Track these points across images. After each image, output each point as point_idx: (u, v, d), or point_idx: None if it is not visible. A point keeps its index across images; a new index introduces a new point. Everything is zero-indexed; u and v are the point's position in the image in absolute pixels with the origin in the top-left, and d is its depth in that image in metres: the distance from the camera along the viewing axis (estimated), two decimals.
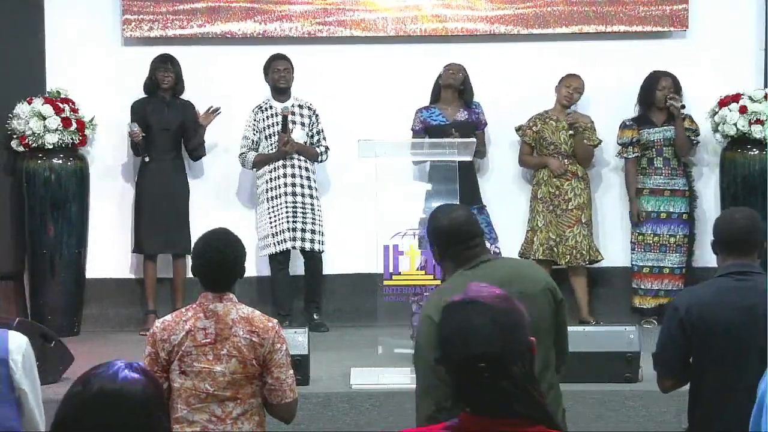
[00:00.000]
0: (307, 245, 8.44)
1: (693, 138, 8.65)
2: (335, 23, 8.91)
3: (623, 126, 8.68)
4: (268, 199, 8.47)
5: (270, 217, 8.43)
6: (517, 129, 8.74)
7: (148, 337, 4.34)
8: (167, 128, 8.53)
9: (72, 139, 8.46)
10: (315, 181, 8.58)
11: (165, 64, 8.54)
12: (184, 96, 8.68)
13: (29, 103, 8.42)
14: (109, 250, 8.82)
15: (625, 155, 8.69)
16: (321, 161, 8.64)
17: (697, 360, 4.29)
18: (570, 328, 6.91)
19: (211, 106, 8.51)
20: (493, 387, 2.43)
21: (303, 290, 8.67)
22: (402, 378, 6.58)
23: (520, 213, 8.71)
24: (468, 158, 7.13)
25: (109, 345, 8.00)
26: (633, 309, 8.72)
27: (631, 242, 8.73)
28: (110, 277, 8.85)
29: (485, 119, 8.66)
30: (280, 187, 8.44)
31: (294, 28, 8.91)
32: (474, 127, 8.57)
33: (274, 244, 8.41)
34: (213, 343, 4.23)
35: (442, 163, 7.00)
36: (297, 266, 8.68)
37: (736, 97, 8.58)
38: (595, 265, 8.75)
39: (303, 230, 8.42)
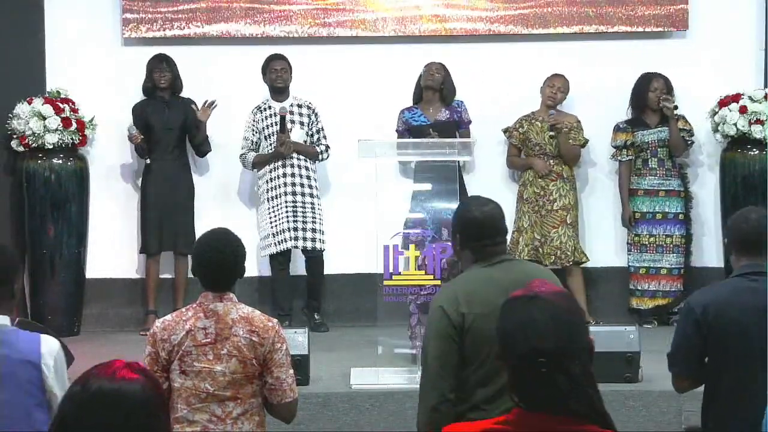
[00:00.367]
0: (309, 244, 8.44)
1: (687, 138, 8.65)
2: (335, 23, 8.91)
3: (617, 129, 8.68)
4: (268, 199, 8.47)
5: (270, 217, 8.43)
6: (504, 130, 8.76)
7: (148, 337, 4.34)
8: (169, 128, 8.54)
9: (72, 139, 8.46)
10: (316, 180, 8.58)
11: (161, 64, 8.55)
12: (185, 95, 8.67)
13: (29, 103, 8.42)
14: (109, 250, 8.83)
15: (619, 158, 8.69)
16: (321, 160, 8.63)
17: (713, 360, 4.28)
18: None
19: (207, 100, 8.50)
20: (550, 383, 2.45)
21: (303, 290, 8.68)
22: (402, 378, 6.58)
23: (507, 213, 8.64)
24: (468, 158, 7.13)
25: (109, 345, 8.00)
26: (630, 310, 8.71)
27: (627, 243, 8.73)
28: (110, 277, 8.85)
29: (469, 117, 8.64)
30: (280, 187, 8.44)
31: (294, 28, 8.91)
32: (456, 126, 8.57)
33: (274, 243, 8.41)
34: (213, 342, 4.23)
35: (442, 162, 6.99)
36: (298, 266, 8.68)
37: (736, 97, 8.58)
38: (590, 266, 8.75)
39: (304, 229, 8.42)
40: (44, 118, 8.36)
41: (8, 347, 3.90)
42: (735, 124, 8.50)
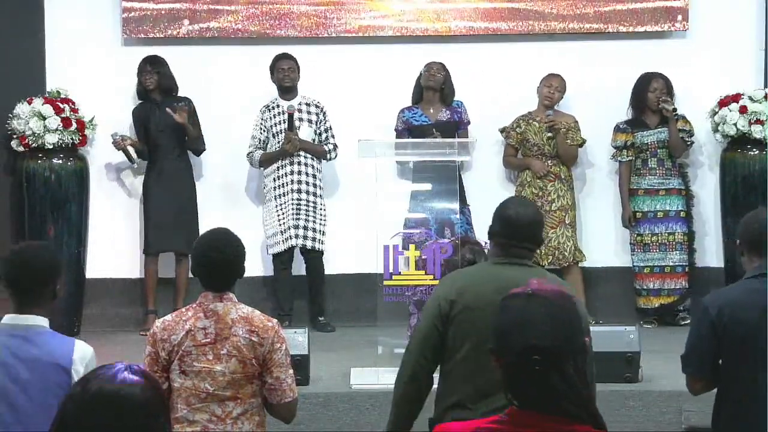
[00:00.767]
0: (309, 243, 8.44)
1: (687, 139, 8.65)
2: (335, 23, 8.91)
3: (617, 129, 8.68)
4: (275, 197, 8.48)
5: (278, 215, 8.45)
6: (501, 130, 8.75)
7: (148, 337, 4.35)
8: (161, 130, 8.52)
9: (72, 139, 8.46)
10: (321, 180, 8.59)
11: (146, 66, 8.55)
12: (185, 95, 8.66)
13: (29, 103, 8.42)
14: (109, 250, 8.82)
15: (619, 158, 8.69)
16: (329, 159, 8.64)
17: (727, 362, 4.26)
18: None
19: (176, 104, 8.46)
20: (545, 381, 2.44)
21: (305, 290, 8.67)
22: None
23: None
24: (467, 158, 7.13)
25: (109, 345, 7.98)
26: (638, 310, 8.69)
27: (630, 244, 8.73)
28: (110, 277, 8.85)
29: (468, 118, 8.65)
30: (286, 185, 8.45)
31: (294, 29, 8.91)
32: (456, 126, 8.57)
33: (281, 241, 8.43)
34: (213, 342, 4.24)
35: (437, 163, 7.00)
36: (299, 266, 8.69)
37: (736, 97, 8.58)
38: (590, 266, 8.75)
39: (305, 228, 8.43)
40: (44, 118, 8.36)
41: (40, 349, 3.92)
42: (735, 124, 8.50)
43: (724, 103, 8.60)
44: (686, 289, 8.59)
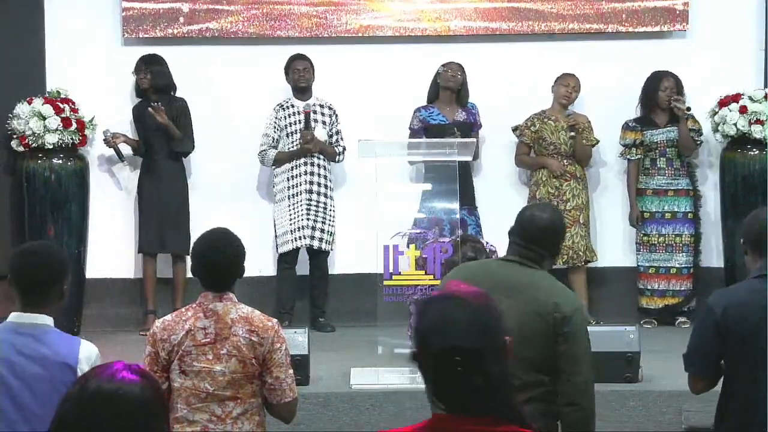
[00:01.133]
0: (316, 244, 8.46)
1: (696, 138, 8.64)
2: (336, 24, 8.91)
3: (626, 127, 8.66)
4: (288, 196, 8.49)
5: (290, 214, 8.45)
6: (514, 129, 8.71)
7: (148, 337, 4.35)
8: (155, 128, 8.51)
9: (72, 139, 8.46)
10: (331, 181, 8.61)
11: (141, 66, 8.54)
12: (185, 96, 8.65)
13: (29, 103, 8.42)
14: (109, 250, 8.82)
15: (627, 156, 8.68)
16: (338, 161, 8.67)
17: (730, 361, 4.25)
18: None
19: (153, 103, 8.43)
20: (468, 383, 2.42)
21: (306, 290, 8.67)
22: (402, 378, 6.58)
23: (514, 214, 8.60)
24: (468, 158, 7.13)
25: (109, 345, 7.96)
26: (640, 310, 8.69)
27: (636, 243, 8.72)
28: (110, 277, 8.85)
29: (480, 121, 8.66)
30: (300, 185, 8.47)
31: (294, 29, 8.90)
32: (470, 127, 8.57)
33: (292, 240, 8.44)
34: (213, 342, 4.24)
35: (442, 163, 7.00)
36: (301, 266, 8.68)
37: (736, 97, 8.58)
38: (597, 266, 8.75)
39: (313, 228, 8.44)
40: (44, 118, 8.36)
41: (49, 348, 3.93)
42: (735, 124, 8.50)
43: (724, 103, 8.60)
44: (690, 290, 8.58)
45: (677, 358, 4.49)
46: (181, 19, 8.85)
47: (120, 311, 8.82)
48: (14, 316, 4.00)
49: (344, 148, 8.58)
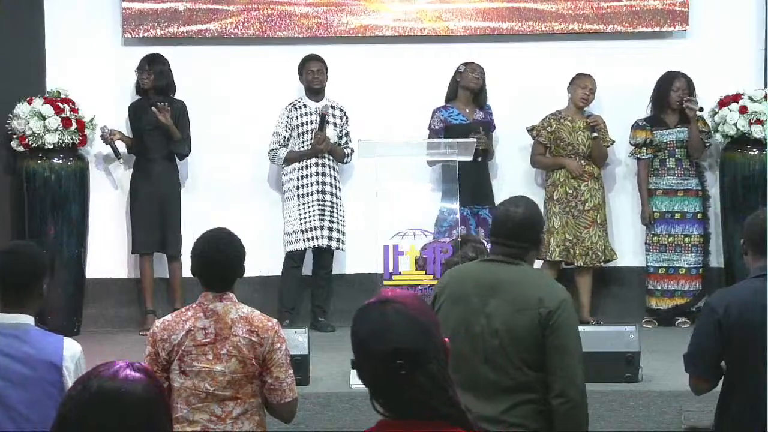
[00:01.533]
0: (331, 243, 8.49)
1: (705, 140, 8.64)
2: (336, 24, 8.91)
3: (636, 126, 8.66)
4: (298, 195, 8.50)
5: (300, 214, 8.46)
6: (530, 129, 8.68)
7: (148, 337, 4.35)
8: (152, 129, 8.50)
9: (72, 139, 8.46)
10: (340, 182, 8.62)
11: (145, 65, 8.53)
12: (184, 96, 8.65)
13: (29, 103, 8.42)
14: (109, 250, 8.82)
15: (638, 156, 8.67)
16: (346, 163, 8.70)
17: (731, 362, 4.25)
18: None
19: (159, 103, 8.43)
20: (412, 385, 2.44)
21: (308, 290, 8.68)
22: None
23: None
24: (468, 158, 7.12)
25: (109, 345, 7.99)
26: (649, 310, 8.69)
27: (645, 243, 8.70)
28: (110, 277, 8.85)
29: (494, 123, 8.68)
30: (312, 185, 8.48)
31: (294, 29, 8.90)
32: (488, 127, 8.60)
33: (303, 240, 8.45)
34: (213, 342, 4.24)
35: (441, 163, 6.99)
36: (303, 266, 8.69)
37: (736, 97, 8.58)
38: (607, 266, 8.74)
39: (329, 228, 8.46)
40: (44, 118, 8.36)
41: (32, 346, 3.92)
42: (735, 124, 8.50)
43: (724, 103, 8.60)
44: (699, 290, 8.57)
45: (677, 358, 4.49)
46: (181, 19, 8.85)
47: (120, 311, 8.82)
48: None
49: (352, 150, 8.59)
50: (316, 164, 8.50)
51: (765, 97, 8.57)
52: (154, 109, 8.40)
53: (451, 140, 7.53)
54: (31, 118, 8.36)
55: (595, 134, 8.52)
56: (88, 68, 8.82)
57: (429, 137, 8.40)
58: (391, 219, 6.86)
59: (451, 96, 8.61)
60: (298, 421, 4.91)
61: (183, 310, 4.38)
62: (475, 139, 7.66)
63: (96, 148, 8.84)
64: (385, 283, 6.64)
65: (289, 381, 4.31)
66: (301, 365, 6.26)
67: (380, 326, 2.49)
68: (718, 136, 8.69)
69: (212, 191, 8.88)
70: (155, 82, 8.52)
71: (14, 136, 8.45)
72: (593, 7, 8.91)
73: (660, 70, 8.67)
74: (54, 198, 8.44)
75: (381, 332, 2.48)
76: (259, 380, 4.28)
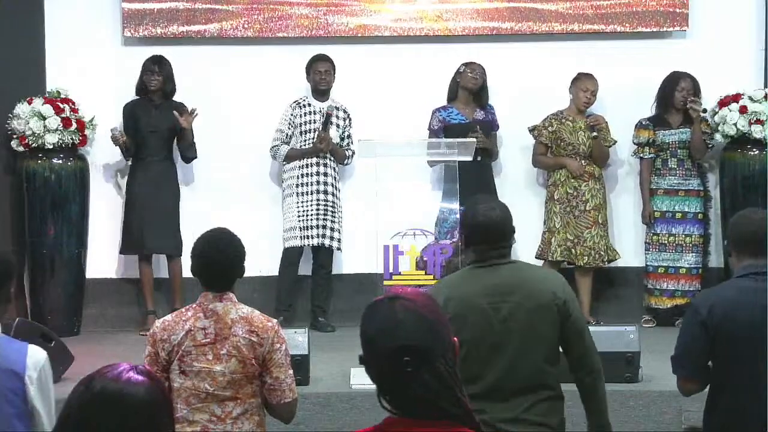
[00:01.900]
0: (327, 242, 8.50)
1: (708, 141, 8.64)
2: (335, 24, 8.90)
3: (639, 125, 8.66)
4: (298, 193, 8.51)
5: (299, 211, 8.48)
6: (531, 129, 8.68)
7: (148, 337, 4.35)
8: (155, 130, 8.50)
9: (72, 139, 8.46)
10: (340, 183, 8.63)
11: (153, 66, 8.51)
12: (184, 96, 8.65)
13: (29, 103, 8.42)
14: (109, 250, 8.81)
15: (641, 155, 8.67)
16: (346, 164, 8.71)
17: (718, 361, 4.25)
18: None
19: (188, 108, 8.46)
20: (418, 382, 2.44)
21: (306, 289, 8.68)
22: None
23: (529, 215, 8.62)
24: (468, 158, 7.12)
25: (109, 345, 8.00)
26: (648, 309, 8.69)
27: (645, 242, 8.70)
28: (110, 277, 8.85)
29: (497, 122, 8.67)
30: (312, 184, 8.49)
31: (294, 30, 8.90)
32: (489, 127, 8.59)
33: (301, 237, 8.47)
34: (213, 342, 4.24)
35: (441, 163, 6.99)
36: (302, 266, 8.68)
37: (736, 97, 8.58)
38: (608, 265, 8.74)
39: (324, 227, 8.47)
40: (44, 118, 8.36)
41: None
42: (735, 124, 8.50)
43: (724, 103, 8.60)
44: (699, 290, 8.56)
45: None
46: (181, 19, 8.85)
47: (120, 311, 8.83)
48: None
49: (353, 152, 8.59)
50: (318, 164, 8.51)
51: (765, 97, 8.57)
52: (176, 113, 8.39)
53: (450, 140, 7.52)
54: (31, 118, 8.36)
55: (595, 134, 8.52)
56: (88, 68, 8.82)
57: (429, 137, 8.39)
58: (391, 219, 6.86)
59: (452, 96, 8.61)
60: (298, 421, 4.91)
61: (183, 310, 4.38)
62: (475, 139, 7.66)
63: (96, 147, 8.84)
64: (385, 283, 6.64)
65: (289, 381, 4.31)
66: (301, 365, 6.26)
67: (388, 323, 2.48)
68: (718, 136, 8.69)
69: (212, 191, 8.88)
70: (163, 84, 8.52)
71: (14, 136, 8.45)
72: (593, 7, 8.91)
73: (660, 70, 8.67)
74: (54, 198, 8.44)
75: (388, 329, 2.48)
76: (259, 380, 4.28)
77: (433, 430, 2.45)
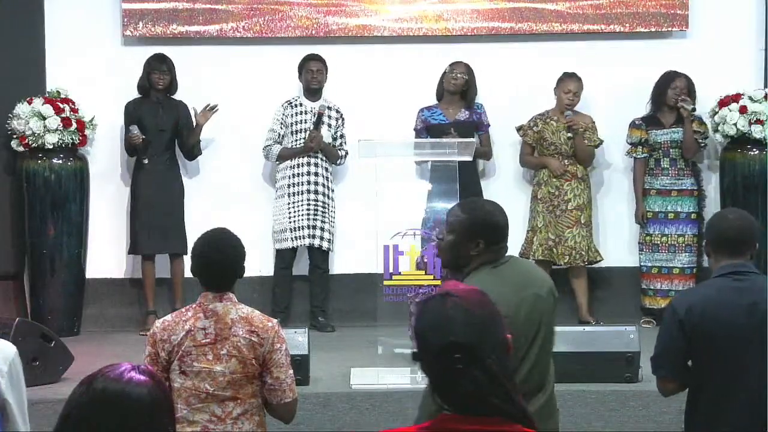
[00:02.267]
0: (316, 242, 8.49)
1: (700, 140, 8.63)
2: (335, 24, 8.91)
3: (632, 125, 8.66)
4: (289, 194, 8.51)
5: (290, 212, 8.48)
6: (518, 129, 8.72)
7: (148, 337, 4.35)
8: (162, 129, 8.51)
9: (72, 139, 8.46)
10: (332, 182, 8.62)
11: (161, 66, 8.52)
12: (184, 96, 8.66)
13: (29, 103, 8.42)
14: (109, 250, 8.82)
15: (634, 155, 8.67)
16: (338, 164, 8.70)
17: (698, 361, 4.25)
18: (570, 328, 6.91)
19: (209, 104, 8.51)
20: (468, 378, 2.44)
21: (302, 290, 8.68)
22: (402, 378, 6.58)
23: (520, 213, 8.66)
24: (468, 158, 7.13)
25: (109, 345, 8.00)
26: (643, 310, 8.69)
27: (638, 243, 8.71)
28: (110, 277, 8.85)
29: (488, 120, 8.66)
30: (303, 184, 8.49)
31: (294, 30, 8.90)
32: (474, 127, 8.57)
33: (291, 239, 8.46)
34: (213, 342, 4.24)
35: (442, 163, 6.99)
36: (301, 266, 8.68)
37: (736, 97, 8.58)
38: (602, 266, 8.75)
39: (314, 227, 8.47)
40: (44, 118, 8.36)
41: None
42: (735, 124, 8.50)
43: (724, 103, 8.60)
44: (679, 292, 8.57)
45: None
46: (181, 19, 8.85)
47: (120, 311, 8.83)
48: None
49: (347, 153, 8.59)
50: (309, 163, 8.50)
51: (765, 97, 8.57)
52: (194, 108, 8.43)
53: (450, 140, 7.53)
54: (31, 118, 8.36)
55: (569, 134, 8.53)
56: (88, 68, 8.82)
57: (415, 138, 8.42)
58: (390, 219, 6.86)
59: (440, 96, 8.63)
60: (298, 421, 4.90)
61: (183, 310, 4.38)
62: (474, 140, 7.65)
63: (96, 147, 8.84)
64: (385, 283, 6.64)
65: (289, 381, 4.31)
66: (301, 365, 6.26)
67: (438, 320, 2.50)
68: (718, 136, 8.69)
69: (212, 191, 8.89)
70: (170, 83, 8.53)
71: (14, 136, 8.45)
72: (593, 7, 8.91)
73: (660, 70, 8.67)
74: (54, 198, 8.44)
75: (439, 326, 2.49)
76: (259, 380, 4.28)
77: (485, 428, 2.45)
